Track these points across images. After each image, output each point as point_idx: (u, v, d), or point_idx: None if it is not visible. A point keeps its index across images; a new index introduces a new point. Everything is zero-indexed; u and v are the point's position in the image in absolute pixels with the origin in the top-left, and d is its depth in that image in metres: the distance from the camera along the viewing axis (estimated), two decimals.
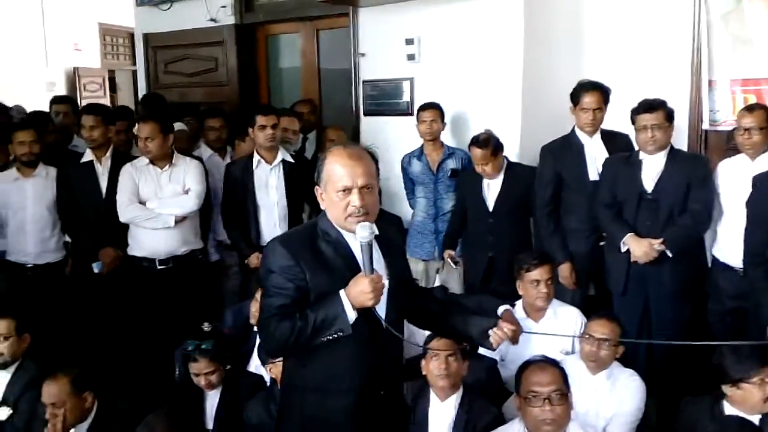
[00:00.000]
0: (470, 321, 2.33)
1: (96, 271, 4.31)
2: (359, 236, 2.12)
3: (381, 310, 2.22)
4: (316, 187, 2.27)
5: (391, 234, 2.41)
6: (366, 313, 2.15)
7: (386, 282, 2.19)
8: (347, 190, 2.16)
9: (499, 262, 4.18)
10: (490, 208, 4.25)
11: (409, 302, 2.44)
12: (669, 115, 3.65)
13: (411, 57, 4.89)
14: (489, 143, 4.12)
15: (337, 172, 2.17)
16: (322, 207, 2.28)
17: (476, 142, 4.15)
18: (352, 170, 2.16)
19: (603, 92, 3.94)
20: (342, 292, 2.12)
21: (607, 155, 3.94)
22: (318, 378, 2.26)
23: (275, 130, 4.30)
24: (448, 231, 4.47)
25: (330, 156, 2.22)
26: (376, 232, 2.18)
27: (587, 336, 3.16)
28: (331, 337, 2.12)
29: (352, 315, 2.11)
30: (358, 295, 2.10)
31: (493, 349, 2.34)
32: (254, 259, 4.31)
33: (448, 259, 4.39)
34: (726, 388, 2.79)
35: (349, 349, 2.20)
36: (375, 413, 2.30)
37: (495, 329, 2.26)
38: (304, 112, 5.36)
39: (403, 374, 2.57)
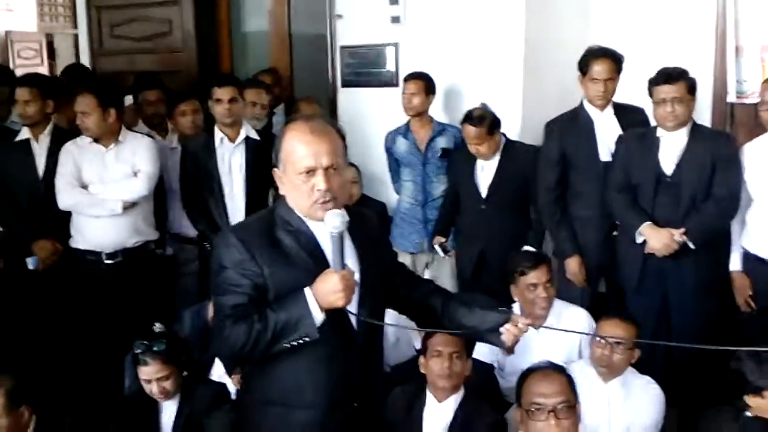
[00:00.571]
0: (478, 315, 2.29)
1: (31, 267, 4.23)
2: (329, 226, 2.08)
3: (352, 309, 2.18)
4: (274, 169, 2.23)
5: (365, 218, 2.39)
6: (336, 315, 2.12)
7: (357, 277, 2.15)
8: (310, 172, 2.11)
9: (492, 256, 4.17)
10: (483, 194, 4.25)
11: (406, 295, 2.41)
12: (691, 87, 3.63)
13: (395, 19, 4.86)
14: (484, 120, 4.10)
15: (298, 151, 2.12)
16: (281, 191, 2.23)
17: (469, 118, 4.13)
18: (315, 148, 2.11)
19: (615, 60, 3.92)
20: (307, 290, 2.07)
21: (620, 132, 3.92)
22: (280, 389, 2.22)
23: (233, 104, 4.24)
24: (439, 218, 4.46)
25: (289, 132, 2.17)
26: (347, 219, 2.12)
27: (598, 338, 3.15)
28: (294, 343, 2.08)
29: (319, 317, 2.07)
30: (326, 293, 2.06)
31: (507, 348, 2.31)
32: None
33: (438, 247, 4.37)
34: (748, 399, 2.79)
35: (315, 356, 2.16)
36: (346, 430, 2.27)
37: (508, 325, 2.24)
38: (268, 83, 5.30)
39: (383, 385, 2.54)
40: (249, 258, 2.13)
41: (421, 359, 3.09)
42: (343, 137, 2.24)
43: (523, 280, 3.53)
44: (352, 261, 2.19)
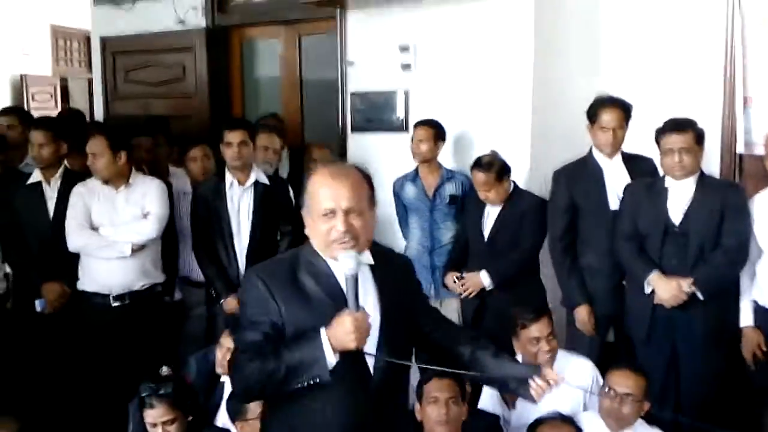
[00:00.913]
0: (507, 368, 2.29)
1: (39, 309, 4.24)
2: (343, 267, 2.11)
3: (371, 351, 2.18)
4: (302, 211, 2.27)
5: (393, 260, 2.42)
6: (352, 356, 2.12)
7: (377, 319, 2.16)
8: (330, 213, 2.15)
9: (494, 300, 4.14)
10: (486, 239, 4.24)
11: (435, 340, 2.40)
12: (699, 137, 3.64)
13: (406, 66, 4.90)
14: (492, 166, 4.11)
15: (320, 194, 2.17)
16: (307, 233, 2.27)
17: (478, 164, 4.14)
18: (335, 191, 2.15)
19: (624, 109, 3.94)
20: (323, 331, 2.08)
21: (629, 180, 3.92)
22: (293, 426, 2.23)
23: (243, 147, 4.27)
24: (449, 259, 4.43)
25: (313, 177, 2.23)
26: (368, 262, 2.18)
27: (607, 390, 3.12)
28: (306, 383, 2.09)
29: (331, 359, 2.07)
30: (339, 335, 2.06)
31: (534, 401, 2.28)
32: (232, 303, 4.22)
33: (453, 282, 4.31)
34: None
35: (328, 397, 2.16)
36: None
37: (538, 380, 2.21)
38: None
39: (406, 428, 2.50)
40: (269, 297, 2.17)
41: (417, 406, 3.05)
42: (369, 180, 2.28)
43: (524, 333, 3.46)
44: (372, 302, 2.21)
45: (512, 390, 2.31)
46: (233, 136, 4.27)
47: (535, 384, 2.20)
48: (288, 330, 2.16)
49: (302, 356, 2.08)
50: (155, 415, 3.21)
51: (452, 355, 2.37)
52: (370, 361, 2.20)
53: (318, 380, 2.08)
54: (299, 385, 2.09)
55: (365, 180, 2.25)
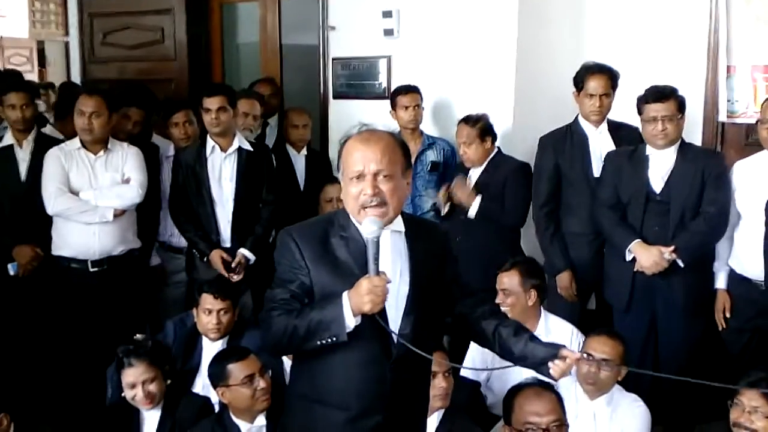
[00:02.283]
0: (529, 347, 2.28)
1: (12, 273, 4.20)
2: (364, 231, 2.14)
3: (395, 320, 2.22)
4: (339, 175, 2.32)
5: (432, 230, 2.48)
6: (376, 323, 2.15)
7: (400, 287, 2.21)
8: (360, 177, 2.17)
9: (470, 268, 4.14)
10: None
11: (462, 313, 2.42)
12: (681, 105, 3.64)
13: (389, 32, 4.86)
14: (478, 122, 4.12)
15: (351, 158, 2.21)
16: (342, 198, 2.30)
17: (466, 119, 4.15)
18: (365, 154, 2.18)
19: (611, 76, 3.94)
20: (345, 294, 2.13)
21: (614, 149, 3.92)
22: (315, 386, 2.29)
23: (222, 113, 4.21)
24: None
25: (347, 142, 2.27)
26: (398, 229, 2.24)
27: (586, 355, 3.13)
28: (324, 342, 2.14)
29: (351, 320, 2.12)
30: (356, 298, 2.11)
31: (555, 380, 2.32)
32: (217, 258, 4.20)
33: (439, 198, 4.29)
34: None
35: (349, 360, 2.22)
36: None
37: (557, 360, 2.22)
38: (265, 93, 5.29)
39: (423, 402, 2.49)
40: (300, 258, 2.23)
41: None
42: (405, 148, 2.28)
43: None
44: (403, 271, 2.25)
45: (532, 368, 2.32)
46: (211, 102, 4.21)
47: (555, 364, 2.21)
48: (315, 291, 2.22)
49: (323, 315, 2.14)
50: (134, 374, 3.20)
51: (475, 328, 2.41)
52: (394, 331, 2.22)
53: (335, 339, 2.13)
54: (319, 343, 2.15)
55: (399, 146, 2.25)
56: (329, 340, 2.13)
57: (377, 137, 2.23)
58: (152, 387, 3.21)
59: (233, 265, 4.20)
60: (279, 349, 2.32)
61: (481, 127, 4.10)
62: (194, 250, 4.34)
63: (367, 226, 2.13)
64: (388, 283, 2.11)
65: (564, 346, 2.27)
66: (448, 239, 2.51)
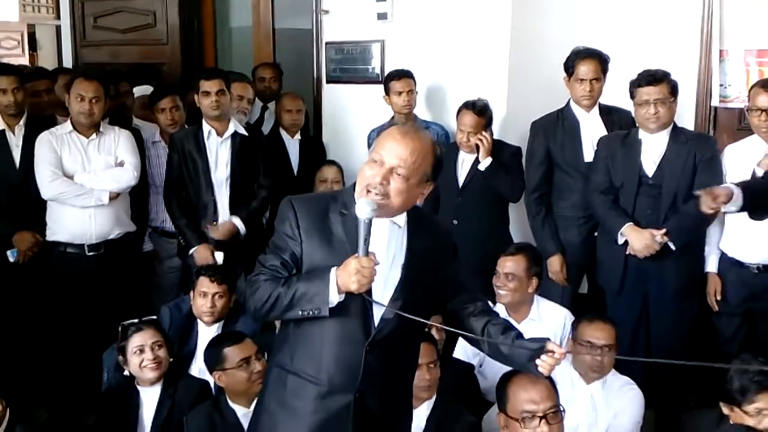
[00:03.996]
0: (516, 344, 2.31)
1: (11, 259, 4.19)
2: (358, 211, 2.13)
3: (383, 302, 2.24)
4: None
5: (437, 227, 2.48)
6: (361, 302, 2.20)
7: (391, 273, 2.24)
8: (379, 163, 2.20)
9: (466, 251, 4.15)
10: (460, 184, 4.22)
11: (452, 310, 2.45)
12: (673, 88, 3.64)
13: (382, 16, 4.84)
14: (486, 111, 4.11)
15: (382, 143, 2.24)
16: (359, 174, 2.31)
17: (472, 106, 4.12)
18: (393, 146, 2.20)
19: (601, 60, 3.94)
20: (333, 269, 2.16)
21: (605, 133, 3.93)
22: (293, 356, 2.32)
23: (221, 96, 4.20)
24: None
25: (388, 128, 2.32)
26: (399, 223, 2.27)
27: (587, 343, 3.14)
28: (306, 313, 2.18)
29: (335, 296, 2.16)
30: (343, 275, 2.14)
31: (545, 377, 2.35)
32: (203, 253, 4.19)
33: None
34: (723, 407, 2.79)
35: (328, 335, 2.25)
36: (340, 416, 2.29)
37: (545, 356, 2.25)
38: (266, 77, 5.28)
39: (402, 386, 2.50)
40: (295, 228, 2.26)
41: None
42: (437, 159, 2.27)
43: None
44: (398, 262, 2.28)
45: (520, 368, 2.36)
46: (211, 85, 4.18)
47: (542, 360, 2.25)
48: (305, 261, 2.26)
49: (309, 287, 2.18)
50: (144, 336, 3.23)
51: (465, 326, 2.43)
52: (377, 315, 2.25)
53: (317, 312, 2.17)
54: (300, 313, 2.19)
55: (432, 156, 2.25)
56: (311, 312, 2.18)
57: (416, 137, 2.23)
58: (160, 352, 3.24)
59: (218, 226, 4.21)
60: (261, 313, 2.30)
61: (487, 116, 4.11)
62: (182, 240, 4.34)
63: (361, 206, 2.13)
64: (376, 265, 2.13)
65: (549, 340, 2.30)
66: (450, 239, 2.53)
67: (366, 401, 2.30)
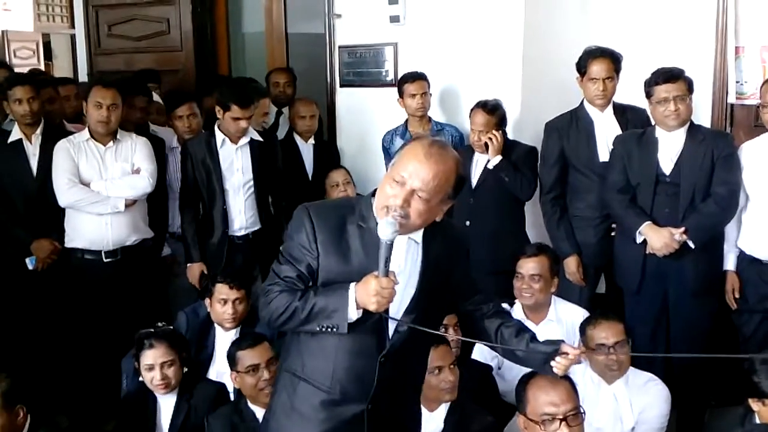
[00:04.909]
0: (531, 348, 2.31)
1: (30, 267, 4.21)
2: (381, 233, 2.10)
3: (395, 316, 2.23)
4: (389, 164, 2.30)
5: (450, 232, 2.41)
6: (376, 320, 2.19)
7: (407, 289, 2.22)
8: (401, 183, 2.15)
9: (478, 252, 4.13)
10: (473, 185, 4.20)
11: (466, 312, 2.45)
12: (689, 86, 3.62)
13: (395, 19, 4.84)
14: (497, 111, 4.11)
15: (405, 161, 2.18)
16: (378, 188, 2.27)
17: (484, 105, 4.12)
18: (417, 168, 2.15)
19: (614, 59, 3.92)
20: (352, 286, 2.15)
21: (620, 132, 3.91)
22: (305, 365, 2.31)
23: (249, 120, 4.24)
24: None
25: (414, 141, 2.24)
26: (416, 239, 2.24)
27: (598, 346, 3.11)
28: (324, 329, 2.17)
29: (353, 313, 2.14)
30: (362, 293, 2.12)
31: (559, 378, 2.35)
32: (194, 272, 4.28)
33: None
34: (752, 402, 2.77)
35: (342, 347, 2.24)
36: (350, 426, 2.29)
37: (559, 357, 2.25)
38: (280, 82, 5.30)
39: (413, 399, 2.51)
40: (312, 240, 2.22)
41: None
42: (460, 180, 2.23)
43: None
44: (413, 277, 2.26)
45: (535, 368, 2.36)
46: (243, 113, 4.17)
47: (556, 362, 2.24)
48: (321, 275, 2.23)
49: (327, 303, 2.16)
50: (155, 355, 3.21)
51: (478, 327, 2.43)
52: (391, 329, 2.25)
53: (336, 329, 2.16)
54: (318, 329, 2.18)
55: (455, 177, 2.21)
56: (329, 329, 2.16)
57: (441, 159, 2.17)
58: (169, 372, 3.23)
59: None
60: (276, 324, 2.29)
61: (499, 115, 4.10)
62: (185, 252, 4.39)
63: (383, 227, 2.09)
64: (396, 285, 2.12)
65: (563, 341, 2.29)
66: (464, 241, 2.50)
67: (378, 410, 2.30)
